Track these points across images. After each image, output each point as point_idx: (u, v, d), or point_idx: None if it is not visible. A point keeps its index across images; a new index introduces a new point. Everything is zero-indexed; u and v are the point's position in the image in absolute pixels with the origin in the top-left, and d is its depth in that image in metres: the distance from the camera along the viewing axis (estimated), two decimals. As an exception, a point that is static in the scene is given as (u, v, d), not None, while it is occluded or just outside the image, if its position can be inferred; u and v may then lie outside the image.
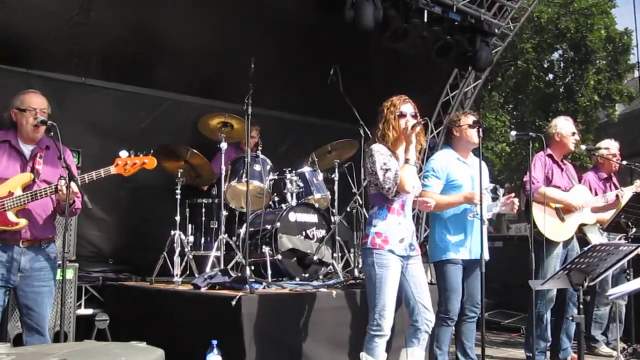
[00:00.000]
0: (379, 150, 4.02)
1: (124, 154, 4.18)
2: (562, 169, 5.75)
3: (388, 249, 3.95)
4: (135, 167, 4.19)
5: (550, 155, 5.71)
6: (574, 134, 5.76)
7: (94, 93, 6.82)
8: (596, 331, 6.35)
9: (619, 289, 5.03)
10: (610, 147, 6.52)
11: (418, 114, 4.15)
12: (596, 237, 5.72)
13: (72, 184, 3.86)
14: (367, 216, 6.08)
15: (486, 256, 4.72)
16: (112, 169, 4.13)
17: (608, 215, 5.83)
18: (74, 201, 4.03)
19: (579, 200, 5.62)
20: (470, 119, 4.91)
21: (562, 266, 4.33)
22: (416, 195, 4.22)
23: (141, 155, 4.20)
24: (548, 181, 5.60)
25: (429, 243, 5.13)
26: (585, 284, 3.93)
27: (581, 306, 3.98)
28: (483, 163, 4.71)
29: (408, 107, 4.12)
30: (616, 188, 6.30)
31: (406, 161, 3.98)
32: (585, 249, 3.85)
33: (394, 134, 4.08)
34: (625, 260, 4.15)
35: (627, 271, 5.41)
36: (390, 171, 3.94)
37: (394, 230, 3.99)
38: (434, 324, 4.81)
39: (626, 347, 5.55)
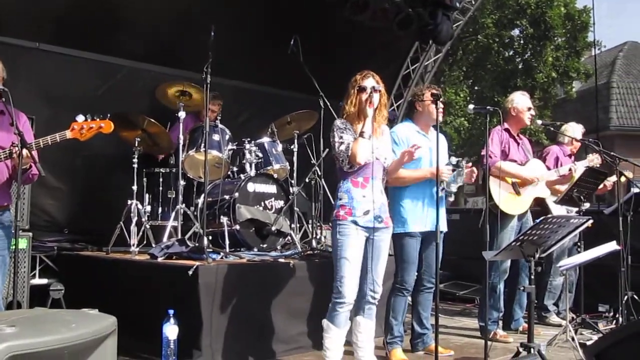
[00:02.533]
0: (338, 125, 4.14)
1: (80, 118, 4.07)
2: (518, 144, 5.85)
3: (351, 220, 4.04)
4: (91, 131, 4.08)
5: (507, 130, 5.79)
6: (529, 109, 5.84)
7: (48, 59, 6.64)
8: (549, 301, 6.52)
9: (569, 260, 5.18)
10: (575, 130, 6.66)
11: (381, 88, 4.18)
12: (557, 209, 5.90)
13: (26, 150, 3.78)
14: (325, 187, 6.15)
15: (444, 228, 4.80)
16: (68, 134, 4.02)
17: (564, 187, 5.99)
18: (30, 166, 3.94)
19: (535, 173, 5.74)
20: (433, 92, 4.93)
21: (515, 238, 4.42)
22: (387, 166, 4.28)
23: (98, 120, 4.10)
24: (505, 155, 5.68)
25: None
26: (537, 256, 4.02)
27: (532, 277, 4.09)
28: (442, 137, 4.75)
29: (369, 81, 4.15)
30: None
31: (360, 134, 4.04)
32: (537, 221, 3.94)
33: (353, 109, 4.14)
34: (575, 233, 4.26)
35: (578, 243, 5.57)
36: (343, 144, 4.06)
37: (358, 203, 4.07)
38: (391, 294, 4.93)
39: (575, 317, 5.71)
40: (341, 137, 4.08)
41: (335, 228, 4.11)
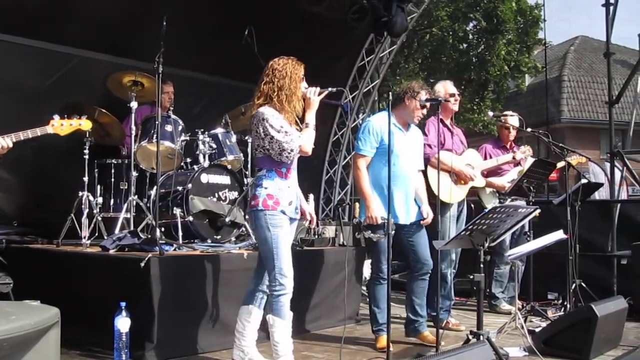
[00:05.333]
0: (272, 114, 3.96)
1: (56, 117, 4.25)
2: (452, 133, 5.94)
3: (280, 210, 3.99)
4: (71, 127, 4.27)
5: (441, 120, 5.83)
6: (452, 95, 5.88)
7: (-4, 47, 6.48)
8: (497, 289, 6.65)
9: (518, 249, 5.28)
10: (512, 119, 6.72)
11: None
12: (489, 200, 6.05)
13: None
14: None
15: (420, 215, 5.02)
16: (49, 129, 4.12)
17: (500, 181, 6.14)
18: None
19: (472, 171, 5.82)
20: (424, 97, 4.98)
21: (464, 227, 4.48)
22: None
23: (76, 118, 4.32)
24: (440, 145, 5.75)
25: (360, 207, 5.21)
26: (486, 245, 4.09)
27: (482, 265, 4.15)
28: (419, 131, 5.09)
29: (302, 71, 4.13)
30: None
31: (306, 125, 4.05)
32: (486, 210, 4.00)
33: (299, 93, 4.06)
34: (523, 222, 4.34)
35: (527, 233, 5.69)
36: (289, 134, 3.94)
37: (284, 193, 4.03)
38: (369, 283, 5.15)
39: (524, 304, 5.84)
40: (282, 127, 3.92)
41: (262, 218, 3.98)
